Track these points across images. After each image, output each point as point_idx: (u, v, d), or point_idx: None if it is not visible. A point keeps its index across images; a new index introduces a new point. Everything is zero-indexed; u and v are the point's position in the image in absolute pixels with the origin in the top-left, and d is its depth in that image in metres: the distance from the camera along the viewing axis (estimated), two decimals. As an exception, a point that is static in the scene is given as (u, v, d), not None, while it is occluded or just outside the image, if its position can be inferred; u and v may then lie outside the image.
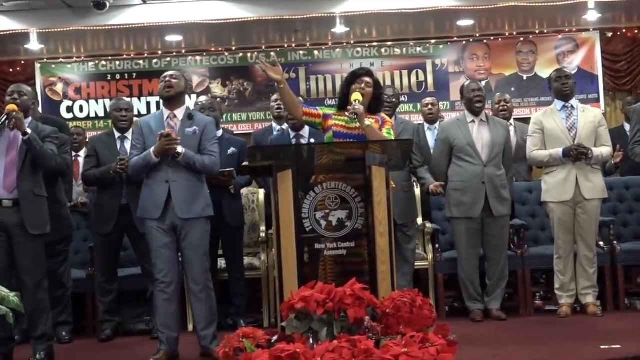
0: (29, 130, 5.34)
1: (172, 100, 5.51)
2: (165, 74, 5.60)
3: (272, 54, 5.08)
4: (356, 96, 5.14)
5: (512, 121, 7.89)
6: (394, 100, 6.67)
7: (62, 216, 6.32)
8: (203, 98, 7.71)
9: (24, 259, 5.38)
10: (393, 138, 5.28)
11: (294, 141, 6.59)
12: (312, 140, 6.40)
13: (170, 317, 5.44)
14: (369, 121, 5.09)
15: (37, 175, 5.47)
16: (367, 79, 5.26)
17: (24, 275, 5.38)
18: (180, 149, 5.29)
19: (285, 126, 7.10)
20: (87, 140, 8.39)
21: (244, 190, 6.92)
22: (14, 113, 5.31)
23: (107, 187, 6.37)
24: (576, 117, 6.47)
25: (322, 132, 5.33)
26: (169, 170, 5.36)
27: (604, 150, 6.43)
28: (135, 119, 6.95)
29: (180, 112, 5.52)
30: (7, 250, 5.35)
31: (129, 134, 6.50)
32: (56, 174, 6.03)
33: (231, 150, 6.54)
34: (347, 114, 5.13)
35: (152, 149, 5.32)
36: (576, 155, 6.28)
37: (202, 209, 5.43)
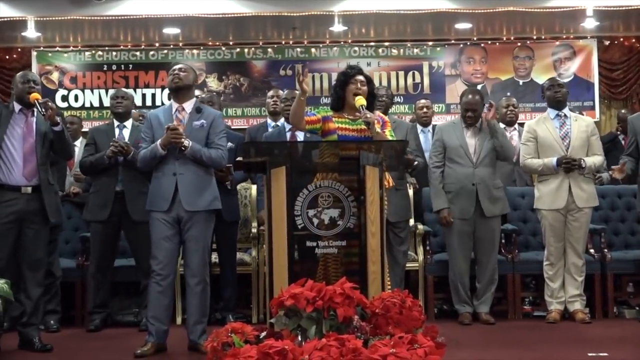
0: (57, 120, 5.44)
1: (180, 92, 5.52)
2: (175, 66, 5.62)
3: (306, 70, 5.17)
4: (361, 101, 5.16)
5: (516, 126, 7.90)
6: (386, 100, 6.69)
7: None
8: (197, 92, 7.72)
9: (37, 247, 5.50)
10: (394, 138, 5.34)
11: (289, 135, 6.59)
12: (308, 136, 6.39)
13: (162, 309, 5.43)
14: (378, 127, 5.12)
15: (48, 164, 5.58)
16: (361, 78, 5.29)
17: (36, 263, 5.52)
18: (186, 142, 5.29)
19: (280, 122, 7.09)
20: (82, 129, 8.42)
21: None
22: (50, 103, 5.42)
23: (103, 174, 6.36)
24: (569, 126, 6.49)
25: (321, 135, 5.33)
26: (177, 163, 5.36)
27: (596, 159, 6.47)
28: (133, 111, 6.96)
29: (188, 105, 5.52)
30: (16, 239, 5.43)
31: (127, 123, 6.54)
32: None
33: (229, 145, 6.53)
34: (351, 117, 5.16)
35: (159, 141, 5.33)
36: (568, 167, 6.32)
37: (208, 202, 5.43)
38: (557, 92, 6.57)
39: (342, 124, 5.25)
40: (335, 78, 5.52)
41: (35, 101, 5.39)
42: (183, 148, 5.30)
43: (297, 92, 5.33)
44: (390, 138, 5.26)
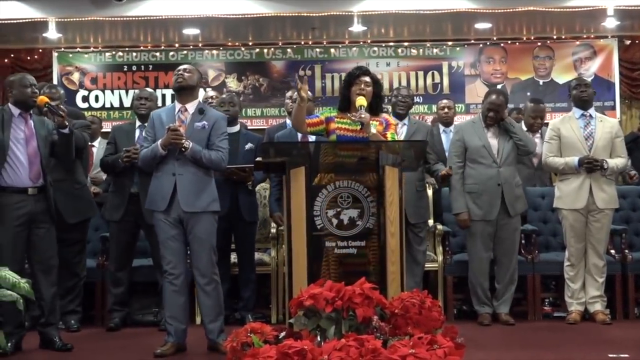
0: (66, 123, 5.49)
1: (184, 92, 5.52)
2: (180, 67, 5.62)
3: (305, 78, 5.19)
4: (360, 101, 5.11)
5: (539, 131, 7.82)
6: (408, 100, 6.68)
7: (84, 197, 6.39)
8: (211, 93, 7.73)
9: (48, 246, 5.52)
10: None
11: (300, 136, 6.59)
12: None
13: (178, 309, 5.45)
14: (373, 127, 5.09)
15: (51, 165, 5.62)
16: (366, 79, 5.24)
17: (48, 262, 5.53)
18: (187, 143, 5.30)
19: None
20: (102, 130, 8.46)
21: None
22: (62, 106, 5.48)
23: (120, 175, 6.40)
24: (594, 127, 6.45)
25: (326, 136, 5.32)
26: (176, 164, 5.37)
27: (619, 161, 6.42)
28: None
29: (191, 106, 5.51)
30: (26, 241, 5.45)
31: None
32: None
33: (249, 145, 6.54)
34: (352, 117, 5.13)
35: (160, 141, 5.34)
36: (589, 167, 6.28)
37: (207, 204, 5.42)
38: (583, 92, 6.52)
39: (342, 124, 5.23)
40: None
41: (47, 104, 5.43)
42: (183, 149, 5.31)
43: (310, 93, 5.34)
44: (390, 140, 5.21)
